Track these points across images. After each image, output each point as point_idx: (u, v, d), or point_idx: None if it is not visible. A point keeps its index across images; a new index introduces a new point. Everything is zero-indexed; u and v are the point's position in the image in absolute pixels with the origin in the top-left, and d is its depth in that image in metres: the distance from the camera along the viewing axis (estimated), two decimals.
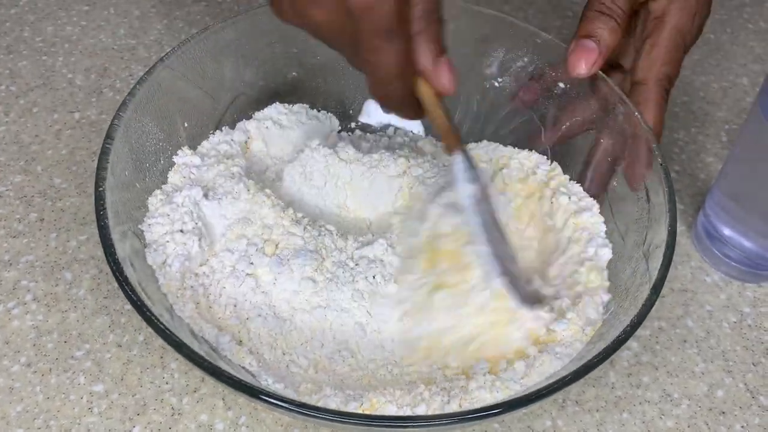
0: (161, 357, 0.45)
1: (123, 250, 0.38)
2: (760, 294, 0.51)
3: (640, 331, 0.38)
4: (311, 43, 0.52)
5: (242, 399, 0.43)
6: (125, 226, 0.41)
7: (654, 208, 0.42)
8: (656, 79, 0.45)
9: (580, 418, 0.44)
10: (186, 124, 0.48)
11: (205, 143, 0.49)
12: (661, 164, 0.42)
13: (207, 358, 0.34)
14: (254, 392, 0.33)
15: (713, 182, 0.52)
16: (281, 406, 0.33)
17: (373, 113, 0.56)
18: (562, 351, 0.39)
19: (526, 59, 0.50)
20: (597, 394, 0.45)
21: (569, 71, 0.45)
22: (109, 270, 0.48)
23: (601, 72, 0.47)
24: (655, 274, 0.38)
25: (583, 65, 0.45)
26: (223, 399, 0.43)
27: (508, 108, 0.51)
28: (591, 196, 0.47)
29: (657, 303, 0.38)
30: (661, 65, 0.45)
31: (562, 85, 0.49)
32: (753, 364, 0.47)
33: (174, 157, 0.47)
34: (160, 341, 0.45)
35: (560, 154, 0.50)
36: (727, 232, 0.50)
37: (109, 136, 0.41)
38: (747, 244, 0.49)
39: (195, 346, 0.36)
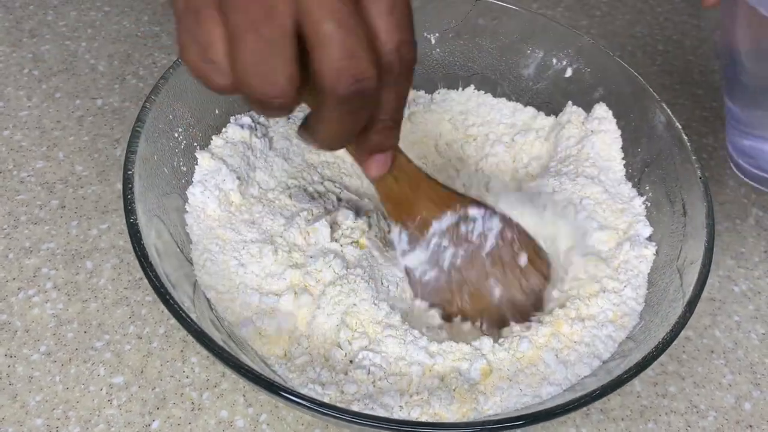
0: (182, 350, 0.44)
1: (149, 235, 0.37)
2: None
3: None
4: None
5: (263, 396, 0.43)
6: (151, 211, 0.40)
7: (690, 222, 0.41)
8: None
9: (604, 426, 0.43)
10: (217, 111, 0.47)
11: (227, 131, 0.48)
12: (701, 178, 0.41)
13: (228, 350, 0.33)
14: (274, 389, 0.32)
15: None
16: (302, 404, 0.32)
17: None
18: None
19: (564, 62, 0.50)
20: (622, 402, 0.44)
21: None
22: (129, 261, 0.48)
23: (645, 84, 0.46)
24: (689, 290, 0.37)
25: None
26: (243, 395, 0.42)
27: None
28: None
29: None
30: None
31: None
32: None
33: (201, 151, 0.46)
34: (180, 334, 0.45)
35: None
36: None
37: (140, 120, 0.41)
38: None
39: (216, 336, 0.35)
